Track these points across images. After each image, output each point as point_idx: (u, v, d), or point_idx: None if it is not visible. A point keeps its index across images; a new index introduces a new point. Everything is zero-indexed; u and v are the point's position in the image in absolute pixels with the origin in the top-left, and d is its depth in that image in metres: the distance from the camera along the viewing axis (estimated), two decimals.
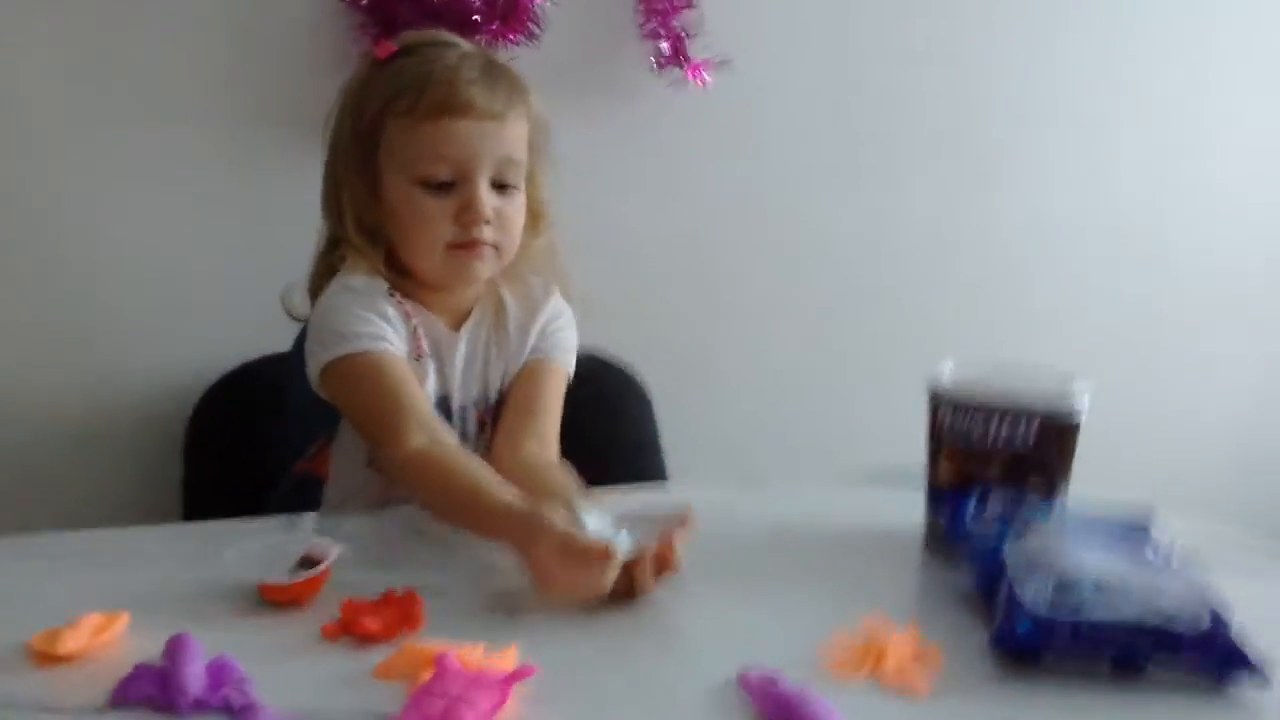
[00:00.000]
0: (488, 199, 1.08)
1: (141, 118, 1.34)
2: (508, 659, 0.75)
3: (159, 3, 1.35)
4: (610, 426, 1.24)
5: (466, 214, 1.08)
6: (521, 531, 0.88)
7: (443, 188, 1.08)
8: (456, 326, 1.15)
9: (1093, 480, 1.08)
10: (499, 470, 1.02)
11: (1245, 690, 0.81)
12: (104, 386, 1.36)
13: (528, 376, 1.17)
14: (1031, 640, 0.82)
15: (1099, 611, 0.83)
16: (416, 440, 1.01)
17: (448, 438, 1.04)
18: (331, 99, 1.12)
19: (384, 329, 1.07)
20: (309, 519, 0.90)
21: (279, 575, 0.83)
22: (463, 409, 1.16)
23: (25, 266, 1.32)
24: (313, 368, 1.07)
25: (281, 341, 1.37)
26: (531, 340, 1.18)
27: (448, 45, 1.12)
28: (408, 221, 1.09)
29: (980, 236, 1.92)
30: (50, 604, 0.77)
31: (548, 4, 1.49)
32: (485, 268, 1.12)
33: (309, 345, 1.09)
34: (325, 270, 1.13)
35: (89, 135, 1.33)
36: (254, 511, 1.01)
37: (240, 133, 1.39)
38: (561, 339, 1.20)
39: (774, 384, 1.74)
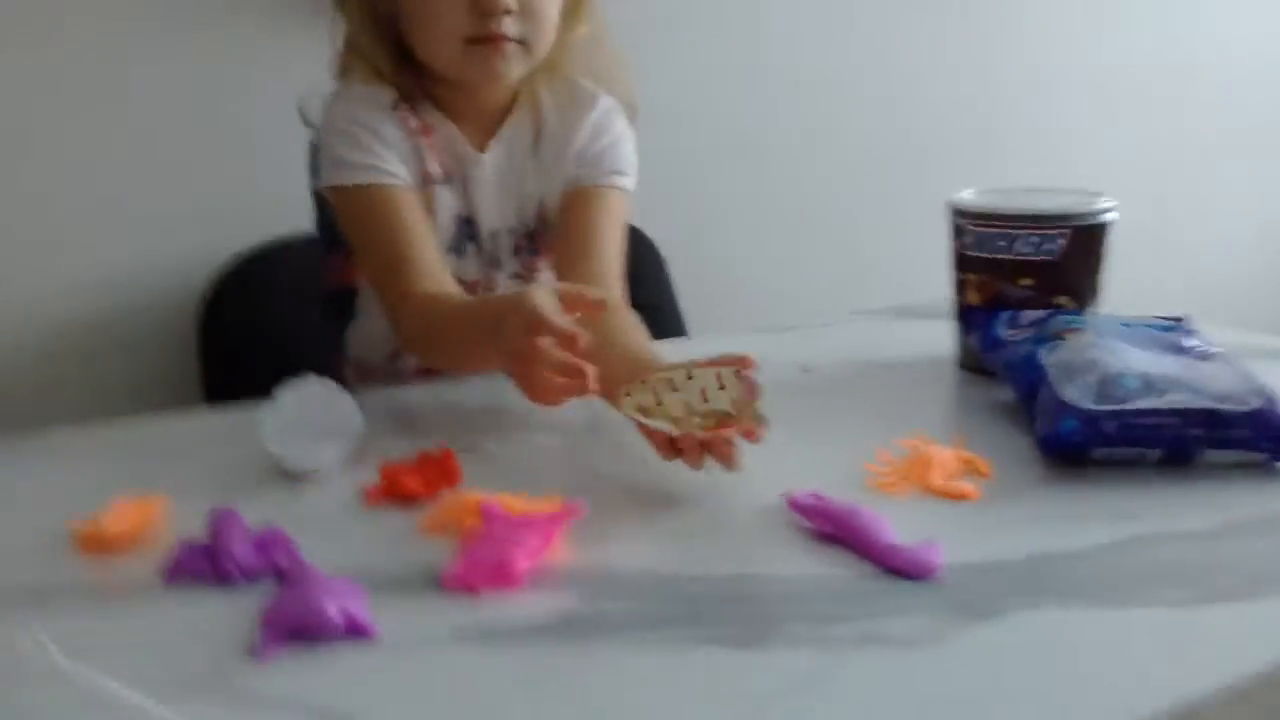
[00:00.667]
0: None
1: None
2: (552, 502, 0.74)
3: None
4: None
5: (485, 2, 0.93)
6: (493, 318, 0.79)
7: None
8: (485, 139, 1.02)
9: (1118, 300, 1.06)
10: None
11: None
12: (111, 277, 1.33)
13: (574, 205, 1.02)
14: (1078, 436, 0.81)
15: (1145, 401, 0.82)
16: (414, 288, 0.93)
17: (453, 287, 0.96)
18: None
19: (382, 155, 0.97)
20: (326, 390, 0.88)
21: (304, 448, 0.82)
22: (494, 233, 1.05)
23: (27, 155, 1.28)
24: (322, 185, 1.00)
25: (292, 225, 1.34)
26: (573, 156, 1.03)
27: None
28: (418, 9, 0.95)
29: (996, 61, 1.87)
30: (83, 495, 0.76)
31: None
32: (510, 66, 0.97)
33: (320, 170, 1.00)
34: (340, 74, 1.02)
35: (83, 17, 1.27)
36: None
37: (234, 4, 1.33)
38: (613, 155, 1.04)
39: (788, 228, 1.71)
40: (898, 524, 0.71)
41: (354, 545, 0.72)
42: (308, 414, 0.85)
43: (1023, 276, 1.03)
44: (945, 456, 0.82)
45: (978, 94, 1.88)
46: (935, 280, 1.12)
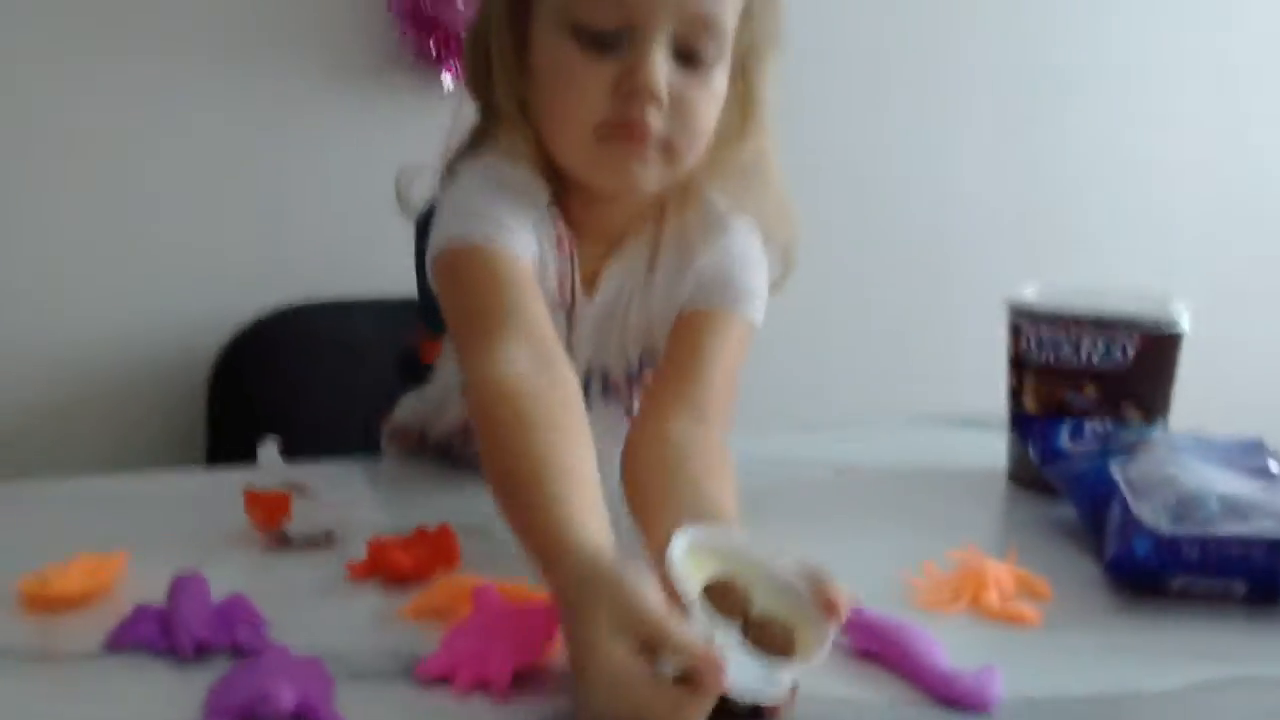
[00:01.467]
0: (661, 67, 0.75)
1: (165, 50, 1.26)
2: None
3: None
4: None
5: (628, 82, 0.75)
6: (572, 596, 0.55)
7: (604, 45, 0.76)
8: (600, 264, 0.84)
9: (1188, 415, 0.97)
10: (635, 453, 0.75)
11: None
12: (126, 335, 1.28)
13: (684, 329, 0.83)
14: (1154, 562, 0.72)
15: (1230, 527, 0.72)
16: (507, 354, 0.70)
17: (559, 365, 0.72)
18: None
19: (525, 237, 0.79)
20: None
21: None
22: (588, 372, 0.87)
23: (49, 205, 1.24)
24: (429, 261, 0.80)
25: (313, 288, 1.29)
26: (691, 279, 0.83)
27: None
28: (554, 86, 0.78)
29: (1054, 151, 1.80)
30: (43, 548, 0.68)
31: None
32: (647, 171, 0.78)
33: (431, 236, 0.81)
34: (468, 153, 0.84)
35: (110, 67, 1.25)
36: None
37: (253, 68, 1.31)
38: (738, 279, 0.84)
39: (834, 328, 1.63)
40: (948, 647, 0.62)
41: (328, 625, 0.64)
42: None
43: (1087, 384, 0.95)
44: (1000, 574, 0.72)
45: (1033, 186, 1.81)
46: (987, 387, 1.04)
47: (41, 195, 1.25)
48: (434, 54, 1.34)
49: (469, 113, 0.84)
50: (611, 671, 0.51)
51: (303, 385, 1.24)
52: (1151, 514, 0.74)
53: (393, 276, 1.17)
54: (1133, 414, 0.94)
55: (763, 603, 0.57)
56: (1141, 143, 1.88)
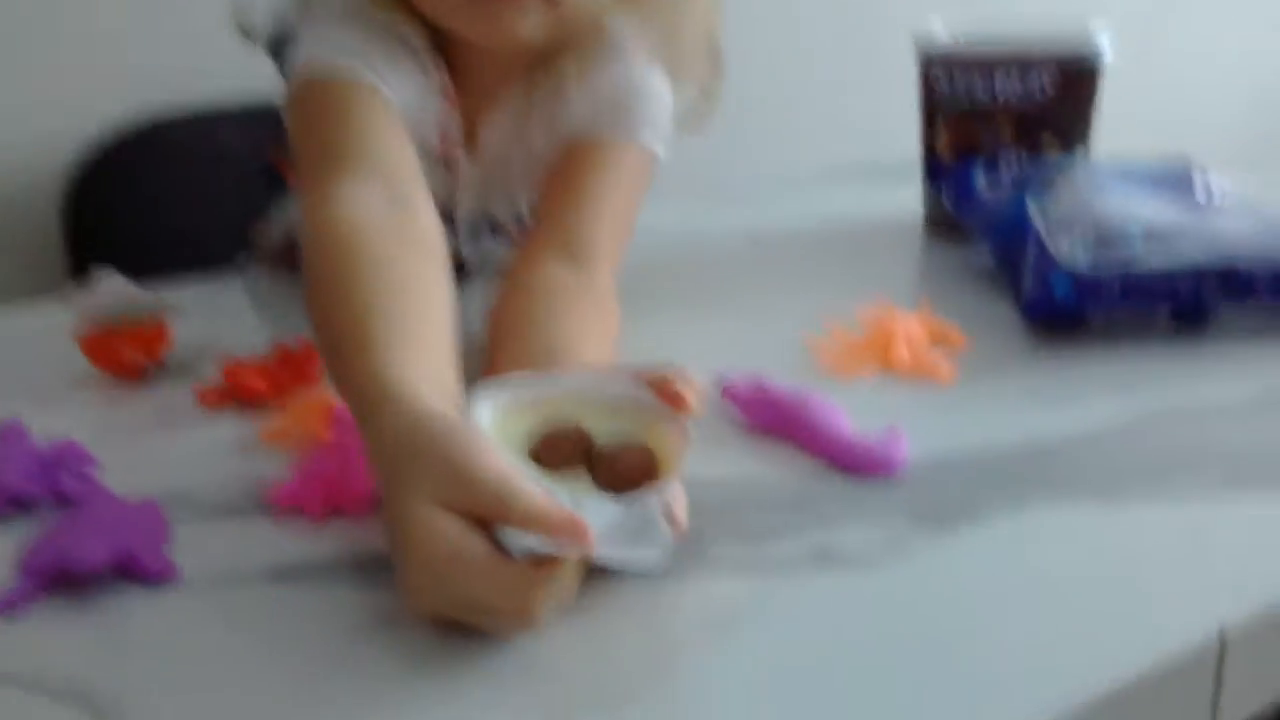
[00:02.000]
0: None
1: None
2: None
3: None
4: None
5: None
6: (388, 456, 0.45)
7: None
8: (480, 114, 0.73)
9: (1108, 138, 0.91)
10: (498, 305, 0.64)
11: None
12: None
13: (566, 161, 0.71)
14: (1073, 300, 0.67)
15: (1153, 260, 0.67)
16: (355, 192, 0.59)
17: (418, 208, 0.61)
18: None
19: (397, 82, 0.67)
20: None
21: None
22: (472, 224, 0.78)
23: None
24: (284, 90, 0.69)
25: (158, 102, 1.17)
26: (573, 110, 0.71)
27: None
28: None
29: None
30: None
31: None
32: (526, 20, 0.66)
33: (290, 62, 0.69)
34: None
35: None
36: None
37: None
38: (630, 104, 0.71)
39: (744, 85, 1.52)
40: (854, 411, 0.57)
41: (173, 461, 0.57)
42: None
43: (1003, 124, 0.88)
44: (910, 327, 0.67)
45: None
46: (899, 132, 0.96)
47: None
48: None
49: None
50: (438, 551, 0.40)
51: (166, 203, 1.13)
52: (1069, 250, 0.69)
53: (258, 83, 1.05)
54: (1052, 149, 0.88)
55: (605, 436, 0.47)
56: None
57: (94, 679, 0.40)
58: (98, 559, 0.45)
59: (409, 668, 0.41)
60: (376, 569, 0.46)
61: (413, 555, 0.41)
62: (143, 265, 0.98)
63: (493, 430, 0.46)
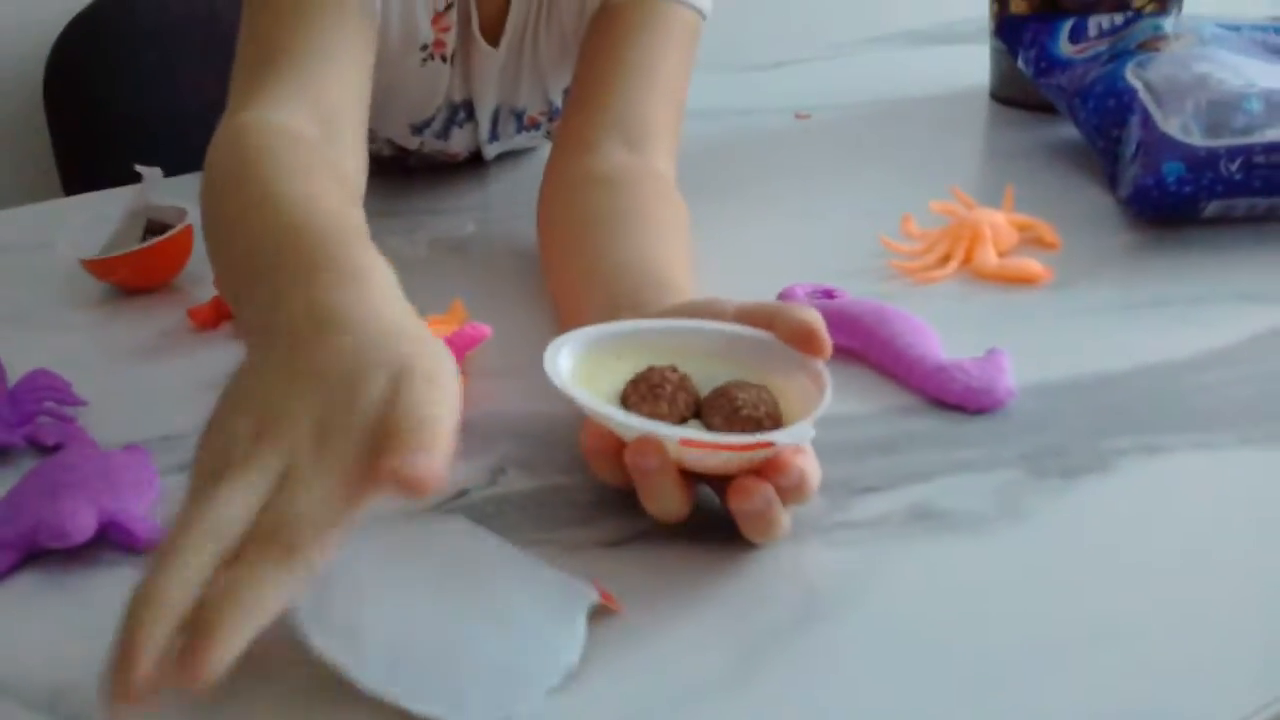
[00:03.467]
0: None
1: None
2: (453, 316, 0.52)
3: None
4: None
5: None
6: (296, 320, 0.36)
7: None
8: (503, 10, 0.65)
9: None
10: (550, 202, 0.58)
11: None
12: None
13: (600, 30, 0.63)
14: (1186, 185, 0.58)
15: (1275, 131, 0.58)
16: (276, 103, 0.52)
17: (343, 143, 0.53)
18: None
19: None
20: (150, 176, 0.64)
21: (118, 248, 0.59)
22: (497, 111, 0.70)
23: None
24: None
25: None
26: None
27: None
28: None
29: None
30: None
31: None
32: None
33: None
34: None
35: None
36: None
37: None
38: None
39: None
40: (940, 328, 0.49)
41: (160, 395, 0.50)
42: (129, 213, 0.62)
43: None
44: (997, 223, 0.59)
45: None
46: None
47: None
48: None
49: None
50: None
51: (152, 82, 1.04)
52: (1181, 127, 0.59)
53: None
54: (1145, 4, 0.77)
55: (711, 383, 0.39)
56: None
57: (71, 674, 0.34)
58: (79, 525, 0.38)
59: None
60: (387, 514, 0.40)
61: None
62: (127, 146, 0.90)
63: (574, 378, 0.38)
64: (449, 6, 0.63)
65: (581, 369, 0.39)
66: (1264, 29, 0.71)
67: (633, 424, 0.36)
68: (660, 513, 0.38)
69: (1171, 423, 0.44)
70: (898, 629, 0.35)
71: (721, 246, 0.57)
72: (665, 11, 0.62)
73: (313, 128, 0.51)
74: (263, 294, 0.38)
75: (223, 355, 0.53)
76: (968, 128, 0.81)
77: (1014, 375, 0.46)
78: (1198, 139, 0.59)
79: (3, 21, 1.07)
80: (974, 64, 0.86)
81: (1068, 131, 0.72)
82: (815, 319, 0.39)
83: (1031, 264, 0.56)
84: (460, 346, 0.49)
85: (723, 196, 0.67)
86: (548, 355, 0.39)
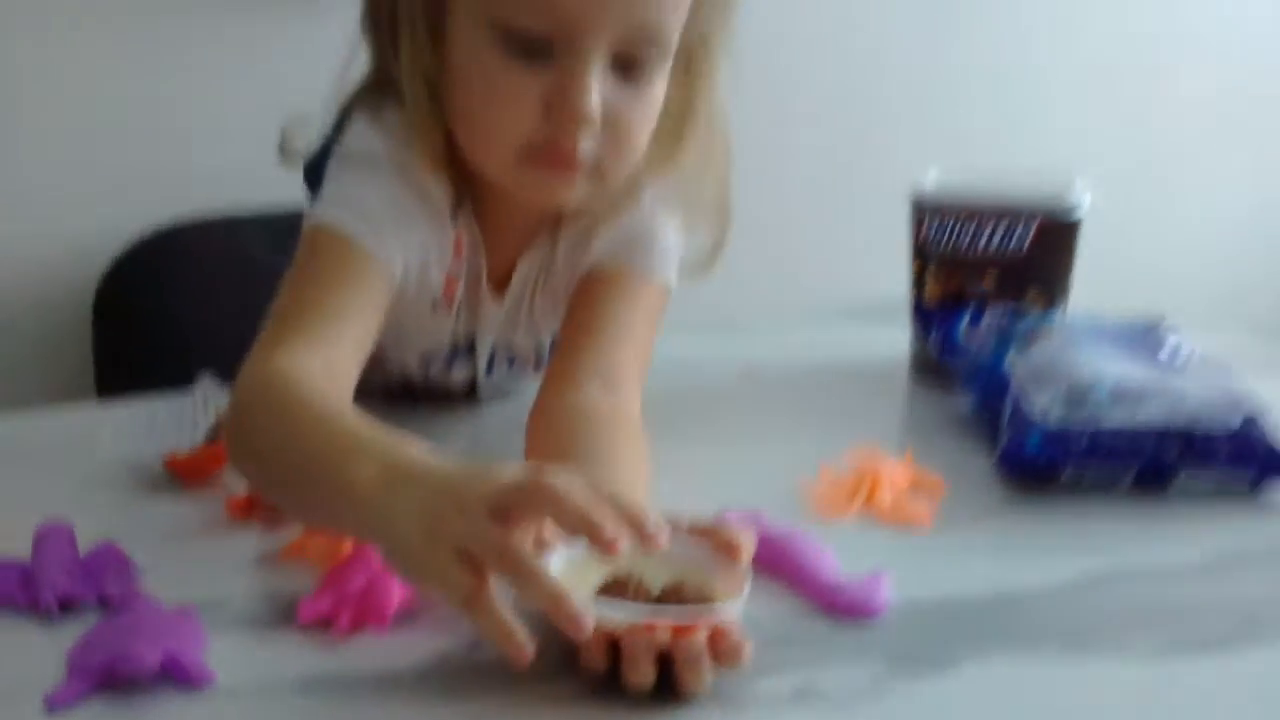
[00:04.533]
0: (596, 87, 0.67)
1: None
2: None
3: None
4: None
5: (560, 105, 0.67)
6: (378, 494, 0.52)
7: (532, 51, 0.66)
8: (511, 261, 0.79)
9: (1091, 293, 0.97)
10: (538, 427, 0.71)
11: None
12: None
13: (592, 290, 0.77)
14: (1044, 456, 0.72)
15: (1118, 419, 0.73)
16: (296, 354, 0.64)
17: (343, 391, 0.65)
18: None
19: (403, 243, 0.71)
20: (209, 385, 0.77)
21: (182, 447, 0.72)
22: (494, 351, 0.84)
23: None
24: (311, 212, 0.73)
25: (191, 208, 1.24)
26: (594, 248, 0.78)
27: None
28: (473, 93, 0.69)
29: (967, 42, 1.78)
30: None
31: None
32: (572, 191, 0.71)
33: (316, 199, 0.74)
34: (366, 98, 0.75)
35: None
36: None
37: None
38: (649, 239, 0.78)
39: (740, 222, 1.61)
40: (838, 552, 0.61)
41: (206, 568, 0.62)
42: (178, 414, 0.75)
43: (987, 272, 0.94)
44: (895, 474, 0.72)
45: (939, 74, 1.78)
46: (892, 278, 1.03)
47: None
48: None
49: (361, 58, 0.76)
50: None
51: (194, 309, 1.19)
52: (1043, 406, 0.74)
53: (281, 191, 1.11)
54: (1034, 300, 0.94)
55: (665, 582, 0.52)
56: (1060, 28, 1.86)
57: None
58: (147, 662, 0.49)
59: None
60: (398, 685, 0.50)
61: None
62: (166, 366, 1.03)
63: (561, 579, 0.50)
64: (459, 273, 0.78)
65: (564, 575, 0.51)
66: (1123, 329, 0.88)
67: (625, 615, 0.49)
68: (638, 682, 0.49)
69: (1006, 636, 0.56)
70: None
71: (673, 471, 0.70)
72: (640, 283, 0.78)
73: (324, 375, 0.64)
74: (341, 479, 0.52)
75: (254, 538, 0.65)
76: (887, 393, 0.96)
77: (891, 593, 0.58)
78: (1055, 418, 0.74)
79: (67, 240, 1.24)
80: (899, 340, 1.02)
81: (966, 403, 0.87)
82: (742, 538, 0.52)
83: (918, 509, 0.69)
84: None
85: (678, 432, 0.81)
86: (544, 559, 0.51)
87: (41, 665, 0.51)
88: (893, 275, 1.02)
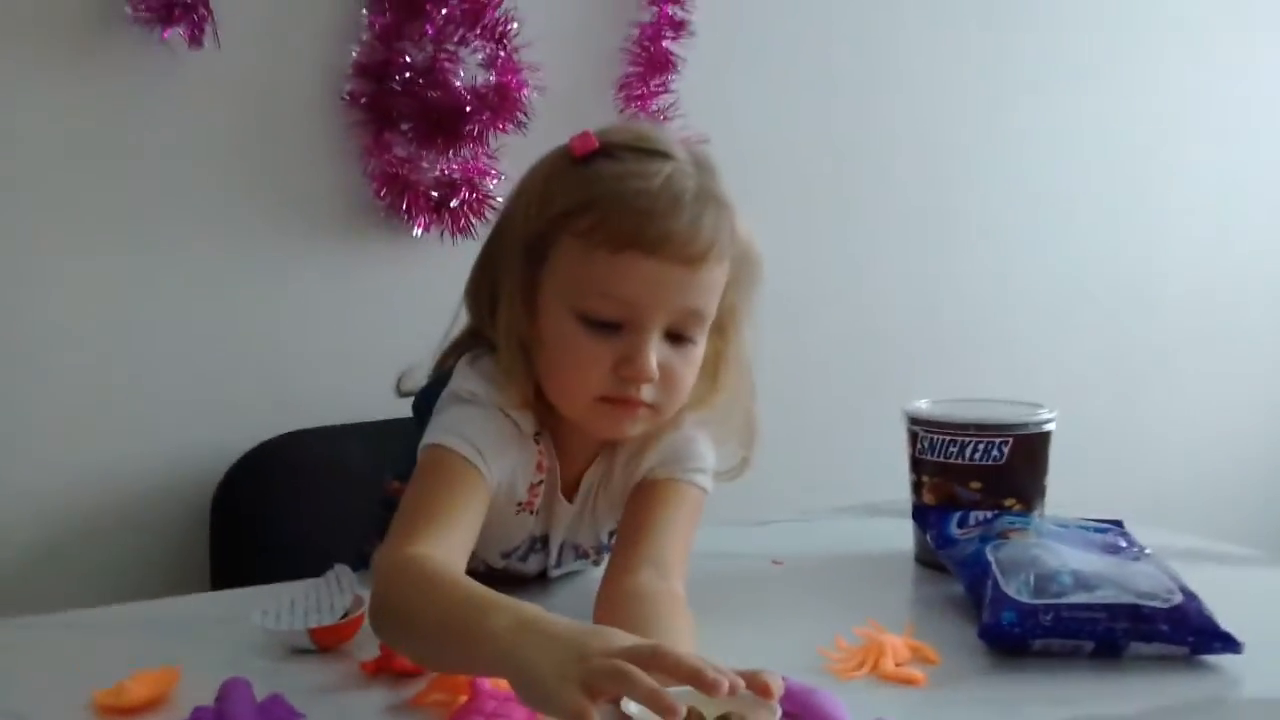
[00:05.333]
0: (655, 354, 0.88)
1: (155, 210, 1.42)
2: None
3: (159, 92, 1.43)
4: None
5: (627, 368, 0.88)
6: (512, 645, 0.68)
7: (607, 327, 0.88)
8: (580, 470, 1.00)
9: (1070, 503, 1.16)
10: (606, 605, 0.88)
11: (1215, 658, 0.88)
12: (128, 469, 1.42)
13: (645, 495, 0.98)
14: (1016, 627, 0.89)
15: (1077, 596, 0.90)
16: (425, 546, 0.82)
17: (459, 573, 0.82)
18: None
19: (499, 464, 0.92)
20: (341, 571, 0.96)
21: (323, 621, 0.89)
22: (563, 545, 1.05)
23: (52, 351, 1.39)
24: (421, 444, 0.93)
25: (296, 422, 1.45)
26: (644, 465, 0.98)
27: (656, 154, 0.88)
28: (559, 356, 0.90)
29: (959, 283, 2.05)
30: (105, 665, 0.83)
31: (534, 94, 1.61)
32: (637, 427, 0.93)
33: (431, 423, 0.94)
34: (465, 347, 0.99)
35: (104, 222, 1.40)
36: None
37: (245, 223, 1.48)
38: (689, 452, 0.99)
39: (767, 430, 1.82)
40: (851, 706, 0.78)
41: (351, 714, 0.79)
42: (314, 594, 0.93)
43: (972, 479, 1.13)
44: (897, 644, 0.89)
45: (943, 305, 2.04)
46: (897, 484, 1.22)
47: (62, 337, 1.39)
48: (404, 210, 1.53)
49: (463, 316, 1.00)
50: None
51: (299, 508, 1.38)
52: (1015, 589, 0.91)
53: (377, 406, 1.33)
54: (1012, 503, 1.13)
55: (716, 713, 0.68)
56: (1050, 257, 2.13)
57: None
58: None
59: None
60: None
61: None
62: (273, 560, 1.20)
63: (639, 713, 0.67)
64: (540, 482, 0.98)
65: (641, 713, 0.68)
66: (1085, 528, 1.06)
67: None
68: None
69: None
70: None
71: (715, 642, 0.86)
72: (683, 489, 0.99)
73: (445, 560, 0.82)
74: (481, 630, 0.70)
75: (385, 691, 0.82)
76: (894, 579, 1.13)
77: None
78: (1025, 598, 0.90)
79: (191, 449, 1.45)
80: (904, 535, 1.20)
81: (958, 587, 1.04)
82: (773, 680, 0.69)
83: (915, 673, 0.86)
84: None
85: (719, 609, 0.98)
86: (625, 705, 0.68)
87: None
88: (898, 482, 1.21)
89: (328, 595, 0.93)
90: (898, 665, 0.87)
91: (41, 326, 1.37)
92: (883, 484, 1.36)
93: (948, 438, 1.13)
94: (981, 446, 1.12)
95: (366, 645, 0.88)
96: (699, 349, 0.92)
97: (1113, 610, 0.89)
